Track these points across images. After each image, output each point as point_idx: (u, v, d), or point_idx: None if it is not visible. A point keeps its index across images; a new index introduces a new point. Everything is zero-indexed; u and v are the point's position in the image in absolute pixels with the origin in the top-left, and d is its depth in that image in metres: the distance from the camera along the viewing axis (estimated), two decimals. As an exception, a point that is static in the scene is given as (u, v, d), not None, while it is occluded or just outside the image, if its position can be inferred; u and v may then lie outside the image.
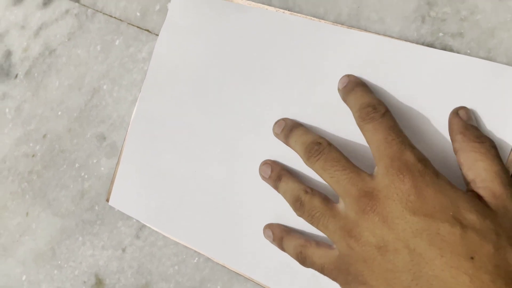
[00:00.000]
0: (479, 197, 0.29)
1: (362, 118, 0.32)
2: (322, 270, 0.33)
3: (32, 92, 0.53)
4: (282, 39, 0.40)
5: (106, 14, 0.49)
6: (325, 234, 0.32)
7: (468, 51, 0.35)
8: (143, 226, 0.45)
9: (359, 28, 0.38)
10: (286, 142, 0.37)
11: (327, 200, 0.33)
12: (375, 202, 0.29)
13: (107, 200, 0.47)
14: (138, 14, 0.48)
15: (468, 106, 0.33)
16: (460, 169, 0.31)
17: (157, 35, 0.46)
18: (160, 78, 0.45)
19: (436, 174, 0.29)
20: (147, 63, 0.47)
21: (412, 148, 0.30)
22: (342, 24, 0.38)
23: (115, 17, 0.49)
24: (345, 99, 0.36)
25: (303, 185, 0.35)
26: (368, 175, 0.31)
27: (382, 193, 0.29)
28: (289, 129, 0.37)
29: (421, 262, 0.26)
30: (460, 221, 0.27)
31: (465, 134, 0.31)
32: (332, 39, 0.38)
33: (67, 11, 0.52)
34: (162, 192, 0.44)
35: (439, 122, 0.34)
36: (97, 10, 0.50)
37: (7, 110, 0.55)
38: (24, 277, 0.51)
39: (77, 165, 0.50)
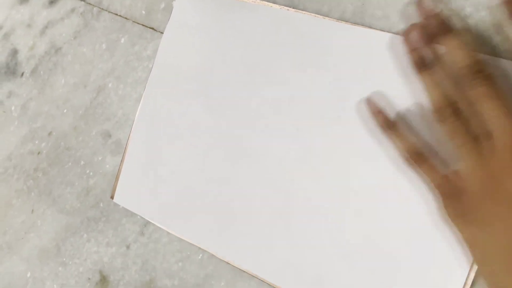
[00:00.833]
0: None
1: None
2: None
3: (38, 90, 0.54)
4: (287, 36, 0.40)
5: (112, 13, 0.50)
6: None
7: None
8: (148, 223, 0.45)
9: (364, 25, 0.38)
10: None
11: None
12: None
13: (112, 197, 0.47)
14: (143, 12, 0.48)
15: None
16: None
17: (162, 33, 0.46)
18: (165, 76, 0.45)
19: None
20: (152, 61, 0.47)
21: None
22: (347, 21, 0.39)
23: (120, 15, 0.49)
24: None
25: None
26: None
27: None
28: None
29: None
30: None
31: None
32: (337, 36, 0.38)
33: (72, 10, 0.52)
34: (166, 189, 0.44)
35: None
36: (102, 9, 0.50)
37: (13, 108, 0.55)
38: (29, 274, 0.51)
39: (82, 162, 0.50)
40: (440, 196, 0.31)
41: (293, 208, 0.38)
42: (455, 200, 0.30)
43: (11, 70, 0.56)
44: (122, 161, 0.46)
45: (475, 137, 0.30)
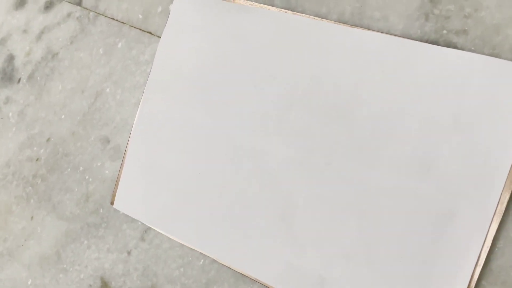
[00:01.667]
0: None
1: None
2: None
3: (35, 96, 0.53)
4: (285, 38, 0.40)
5: (108, 17, 0.49)
6: None
7: (473, 48, 0.34)
8: (148, 228, 0.45)
9: (362, 26, 0.38)
10: None
11: None
12: None
13: (112, 203, 0.47)
14: (140, 16, 0.48)
15: (472, 103, 0.33)
16: None
17: (159, 37, 0.46)
18: (163, 80, 0.45)
19: None
20: (150, 65, 0.47)
21: None
22: (345, 23, 0.38)
23: (117, 20, 0.49)
24: None
25: None
26: None
27: None
28: None
29: None
30: None
31: None
32: (336, 38, 0.38)
33: (69, 15, 0.52)
34: (167, 194, 0.43)
35: (443, 118, 0.34)
36: (99, 13, 0.50)
37: (10, 114, 0.55)
38: (29, 281, 0.51)
39: (81, 168, 0.50)
40: None
41: (295, 211, 0.38)
42: None
43: (8, 76, 0.56)
44: (121, 166, 0.46)
45: None
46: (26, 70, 0.54)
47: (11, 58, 0.56)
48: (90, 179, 0.49)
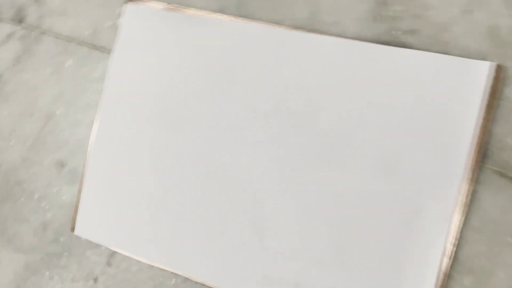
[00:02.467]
0: None
1: None
2: None
3: (-21, 123, 0.50)
4: (240, 47, 0.39)
5: (53, 35, 0.47)
6: None
7: (424, 47, 0.36)
8: (114, 252, 0.43)
9: (316, 31, 0.38)
10: None
11: None
12: None
13: (73, 230, 0.44)
14: (87, 32, 0.46)
15: (427, 99, 0.34)
16: None
17: (110, 53, 0.44)
18: (118, 97, 0.43)
19: None
20: (102, 82, 0.45)
21: None
22: (300, 28, 0.38)
23: (63, 38, 0.47)
24: None
25: None
26: None
27: None
28: None
29: None
30: None
31: None
32: (292, 44, 0.38)
33: (9, 35, 0.49)
34: (131, 215, 0.42)
35: (401, 117, 0.35)
36: (43, 31, 0.48)
37: (-48, 144, 0.51)
38: (-12, 322, 0.47)
39: (36, 196, 0.47)
40: None
41: (266, 222, 0.37)
42: None
43: None
44: (79, 190, 0.44)
45: None
46: (-33, 96, 0.51)
47: None
48: (47, 207, 0.46)
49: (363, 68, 0.36)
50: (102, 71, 0.45)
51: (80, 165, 0.45)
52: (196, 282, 0.40)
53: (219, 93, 0.40)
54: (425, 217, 0.34)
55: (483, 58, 0.34)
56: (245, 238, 0.38)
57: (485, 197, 0.34)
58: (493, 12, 0.34)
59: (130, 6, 0.43)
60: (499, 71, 0.33)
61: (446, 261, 0.34)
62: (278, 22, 0.39)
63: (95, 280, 0.44)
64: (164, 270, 0.41)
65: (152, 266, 0.42)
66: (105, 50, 0.45)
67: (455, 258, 0.34)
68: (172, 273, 0.41)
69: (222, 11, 0.41)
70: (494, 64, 0.33)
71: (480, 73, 0.34)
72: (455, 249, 0.34)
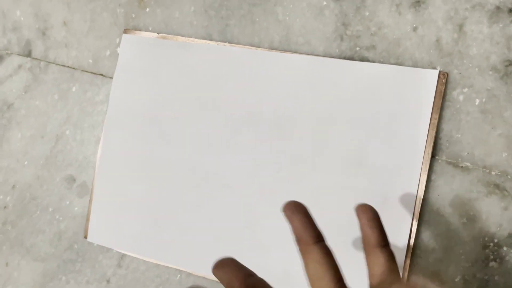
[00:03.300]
0: None
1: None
2: None
3: (-6, 147, 0.55)
4: (226, 68, 0.45)
5: (59, 64, 0.53)
6: None
7: (381, 60, 0.42)
8: (124, 255, 0.48)
9: (291, 51, 0.44)
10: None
11: None
12: None
13: (85, 237, 0.49)
14: (90, 61, 0.51)
15: (386, 105, 0.40)
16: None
17: (111, 78, 0.50)
18: (119, 117, 0.49)
19: None
20: (105, 104, 0.50)
21: None
22: (276, 49, 0.44)
23: (68, 66, 0.52)
24: None
25: None
26: None
27: None
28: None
29: None
30: None
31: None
32: (270, 63, 0.44)
33: (19, 66, 0.54)
34: (136, 221, 0.47)
35: (366, 121, 0.41)
36: (49, 62, 0.53)
37: (-30, 167, 0.56)
38: (11, 326, 0.52)
39: (50, 209, 0.52)
40: None
41: (256, 218, 0.43)
42: None
43: (-37, 131, 0.57)
44: (90, 201, 0.49)
45: None
46: (-19, 123, 0.56)
47: (-36, 113, 0.57)
48: (61, 218, 0.52)
49: (331, 80, 0.42)
50: (105, 95, 0.51)
51: (88, 179, 0.51)
52: (198, 276, 0.45)
53: (208, 109, 0.46)
54: (391, 205, 0.40)
55: (432, 67, 0.40)
56: (239, 235, 0.44)
57: (441, 185, 0.40)
58: (437, 27, 0.40)
59: (126, 36, 0.49)
60: (446, 77, 0.39)
61: (412, 241, 0.39)
62: (257, 45, 0.45)
63: (108, 281, 0.49)
64: (169, 267, 0.46)
65: (158, 265, 0.47)
66: (107, 76, 0.51)
67: (419, 239, 0.40)
68: (176, 269, 0.46)
69: (207, 37, 0.47)
70: (441, 71, 0.39)
71: (430, 79, 0.40)
72: (419, 230, 0.39)
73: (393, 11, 0.41)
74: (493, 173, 0.39)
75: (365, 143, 0.41)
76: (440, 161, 0.40)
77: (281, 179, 0.43)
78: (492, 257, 0.38)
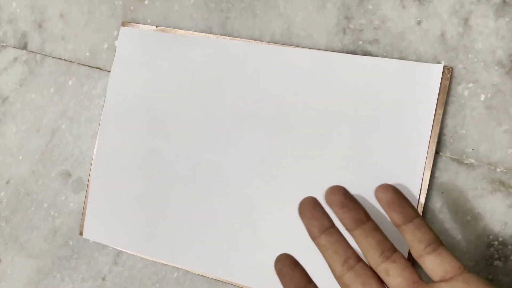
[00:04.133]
0: None
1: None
2: None
3: (-11, 141, 0.54)
4: (226, 62, 0.44)
5: (56, 58, 0.52)
6: None
7: (385, 54, 0.41)
8: (120, 252, 0.47)
9: (292, 45, 0.43)
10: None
11: None
12: None
13: (81, 233, 0.48)
14: (87, 54, 0.50)
15: (389, 99, 0.39)
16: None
17: (109, 71, 0.49)
18: (117, 111, 0.48)
19: None
20: (103, 98, 0.49)
21: None
22: (277, 43, 0.44)
23: (65, 59, 0.51)
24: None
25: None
26: None
27: None
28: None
29: None
30: None
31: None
32: (270, 57, 0.43)
33: (15, 59, 0.53)
34: (134, 217, 0.46)
35: (368, 116, 0.40)
36: (45, 55, 0.52)
37: (-36, 162, 0.55)
38: (4, 324, 0.51)
39: (45, 205, 0.51)
40: None
41: (257, 216, 0.42)
42: None
43: (-43, 124, 0.56)
44: (86, 197, 0.48)
45: None
46: (-24, 117, 0.55)
47: (-42, 107, 0.56)
48: (56, 214, 0.51)
49: (333, 75, 0.41)
50: (102, 89, 0.50)
51: (84, 175, 0.50)
52: (196, 274, 0.44)
53: (208, 104, 0.45)
54: (393, 202, 0.39)
55: (437, 62, 0.39)
56: (240, 232, 0.43)
57: (445, 182, 0.39)
58: (442, 21, 0.39)
59: (124, 29, 0.48)
60: (450, 71, 0.39)
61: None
62: (258, 38, 0.44)
63: (103, 278, 0.48)
64: (166, 265, 0.45)
65: (155, 262, 0.46)
66: (104, 69, 0.50)
67: (422, 237, 0.39)
68: (173, 267, 0.45)
69: (207, 30, 0.46)
70: (445, 66, 0.39)
71: (434, 74, 0.39)
72: (421, 228, 0.38)
73: (397, 4, 0.41)
74: (498, 170, 0.38)
75: (368, 139, 0.40)
76: (444, 157, 0.39)
77: (283, 175, 0.42)
78: (496, 256, 0.37)
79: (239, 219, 0.43)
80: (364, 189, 0.40)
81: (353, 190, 0.40)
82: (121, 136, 0.47)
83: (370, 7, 0.41)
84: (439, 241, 0.31)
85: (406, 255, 0.38)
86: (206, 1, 0.46)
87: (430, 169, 0.38)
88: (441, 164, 0.39)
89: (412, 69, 0.39)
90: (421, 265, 0.31)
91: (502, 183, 0.38)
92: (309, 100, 0.41)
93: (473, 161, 0.38)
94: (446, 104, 0.39)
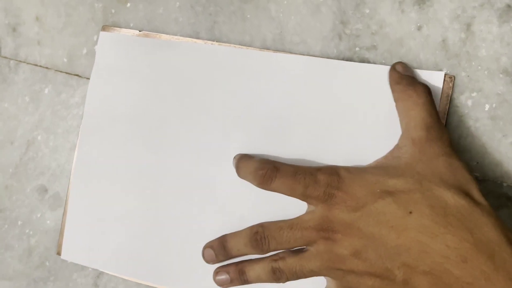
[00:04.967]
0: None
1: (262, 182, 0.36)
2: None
3: (-42, 154, 0.50)
4: (214, 69, 0.41)
5: (31, 64, 0.48)
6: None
7: (383, 61, 0.38)
8: (101, 273, 0.44)
9: (284, 51, 0.41)
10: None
11: (294, 250, 0.35)
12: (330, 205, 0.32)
13: (58, 253, 0.45)
14: (65, 60, 0.47)
15: (387, 106, 0.37)
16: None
17: (88, 78, 0.46)
18: (97, 121, 0.45)
19: (347, 170, 0.33)
20: (82, 108, 0.46)
21: (317, 170, 0.34)
22: (268, 48, 0.41)
23: (41, 66, 0.48)
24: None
25: (266, 260, 0.35)
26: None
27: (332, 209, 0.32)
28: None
29: (383, 240, 0.29)
30: (388, 192, 0.30)
31: (400, 83, 0.35)
32: (262, 64, 0.40)
33: (-13, 65, 0.50)
34: (115, 236, 0.43)
35: (364, 124, 0.37)
36: (20, 61, 0.49)
37: None
38: None
39: (19, 222, 0.47)
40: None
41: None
42: None
43: None
44: (64, 213, 0.45)
45: None
46: None
47: None
48: (31, 232, 0.47)
49: (328, 83, 0.38)
50: (81, 97, 0.46)
51: (62, 190, 0.46)
52: (183, 296, 0.41)
53: (194, 113, 0.42)
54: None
55: (438, 69, 0.37)
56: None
57: (448, 197, 0.36)
58: (444, 27, 0.37)
59: (105, 34, 0.45)
60: (452, 80, 0.36)
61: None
62: (248, 44, 0.41)
63: (83, 302, 0.44)
64: (150, 286, 0.42)
65: (139, 284, 0.43)
66: (83, 76, 0.46)
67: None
68: (158, 289, 0.42)
69: (194, 35, 0.43)
70: (447, 74, 0.36)
71: (436, 82, 0.37)
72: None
73: (395, 8, 0.38)
74: (504, 184, 0.36)
75: (365, 149, 0.37)
76: (447, 171, 0.37)
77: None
78: (503, 275, 0.35)
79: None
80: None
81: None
82: (101, 149, 0.44)
83: (367, 11, 0.39)
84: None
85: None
86: (192, 4, 0.43)
87: (433, 184, 0.36)
88: (444, 178, 0.37)
89: (412, 77, 0.37)
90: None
91: (508, 198, 0.35)
92: (302, 108, 0.39)
93: (477, 175, 0.36)
94: (448, 114, 0.37)
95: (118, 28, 0.45)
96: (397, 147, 0.34)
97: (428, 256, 0.28)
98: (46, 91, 0.48)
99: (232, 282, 0.37)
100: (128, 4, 0.45)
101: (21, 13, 0.49)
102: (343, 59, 0.39)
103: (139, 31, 0.44)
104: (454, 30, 0.37)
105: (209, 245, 0.39)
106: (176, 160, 0.42)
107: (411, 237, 0.28)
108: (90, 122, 0.45)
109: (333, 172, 0.33)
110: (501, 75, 0.36)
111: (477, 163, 0.36)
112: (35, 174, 0.47)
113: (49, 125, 0.47)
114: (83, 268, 0.45)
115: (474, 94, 0.36)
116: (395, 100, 0.35)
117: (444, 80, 0.36)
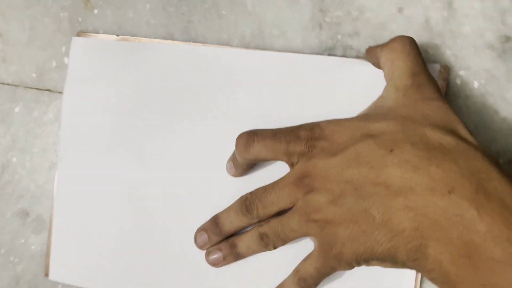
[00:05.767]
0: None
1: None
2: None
3: None
4: (192, 70, 0.40)
5: (-3, 82, 0.45)
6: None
7: (367, 47, 0.37)
8: (95, 294, 0.42)
9: (265, 45, 0.39)
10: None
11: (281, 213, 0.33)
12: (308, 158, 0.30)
13: (46, 275, 0.43)
14: (34, 75, 0.45)
15: (369, 100, 0.35)
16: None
17: (61, 92, 0.43)
18: (76, 135, 0.42)
19: (328, 121, 0.32)
20: (57, 123, 0.44)
21: (298, 127, 0.32)
22: (247, 45, 0.39)
23: (8, 84, 0.45)
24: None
25: (254, 228, 0.34)
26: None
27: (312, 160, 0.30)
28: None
29: (362, 181, 0.27)
30: (369, 135, 0.28)
31: (382, 44, 0.33)
32: (241, 63, 0.39)
33: (-50, 88, 0.47)
34: (103, 253, 0.41)
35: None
36: (-15, 80, 0.46)
37: None
38: None
39: (2, 250, 0.45)
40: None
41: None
42: None
43: None
44: (50, 235, 0.42)
45: None
46: None
47: None
48: (16, 260, 0.44)
49: (314, 81, 0.37)
50: (54, 113, 0.44)
51: (44, 212, 0.44)
52: (184, 310, 0.39)
53: (176, 118, 0.40)
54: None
55: (423, 50, 0.36)
56: (221, 269, 0.38)
57: (445, 179, 0.36)
58: (425, 6, 0.36)
59: (78, 40, 0.42)
60: (447, 71, 0.35)
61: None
62: (226, 42, 0.40)
63: (79, 326, 0.42)
64: (149, 303, 0.40)
65: (136, 302, 0.41)
66: (55, 90, 0.44)
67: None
68: (157, 305, 0.40)
69: (168, 37, 0.41)
70: (442, 65, 0.35)
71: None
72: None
73: (374, -8, 0.37)
74: (500, 161, 0.35)
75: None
76: (442, 153, 0.36)
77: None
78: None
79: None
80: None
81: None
82: (83, 164, 0.42)
83: (346, -3, 0.38)
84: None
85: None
86: (164, 5, 0.41)
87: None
88: (439, 160, 0.36)
89: (398, 61, 0.36)
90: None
91: (506, 175, 0.35)
92: (287, 106, 0.37)
93: (473, 154, 0.35)
94: (438, 95, 0.36)
95: (94, 34, 0.42)
96: (380, 97, 0.32)
97: (411, 190, 0.25)
98: (17, 109, 0.45)
99: (225, 259, 0.36)
100: (96, 11, 0.43)
101: (-18, 30, 0.46)
102: (325, 49, 0.38)
103: (117, 35, 0.42)
104: (435, 9, 0.36)
105: (201, 228, 0.37)
106: (163, 170, 0.40)
107: (392, 173, 0.26)
108: (68, 137, 0.42)
109: (314, 125, 0.31)
110: (487, 51, 0.35)
111: (472, 142, 0.35)
112: (14, 198, 0.45)
113: (23, 145, 0.45)
114: (75, 291, 0.42)
115: (462, 73, 0.36)
116: (380, 58, 0.32)
117: (440, 72, 0.35)
